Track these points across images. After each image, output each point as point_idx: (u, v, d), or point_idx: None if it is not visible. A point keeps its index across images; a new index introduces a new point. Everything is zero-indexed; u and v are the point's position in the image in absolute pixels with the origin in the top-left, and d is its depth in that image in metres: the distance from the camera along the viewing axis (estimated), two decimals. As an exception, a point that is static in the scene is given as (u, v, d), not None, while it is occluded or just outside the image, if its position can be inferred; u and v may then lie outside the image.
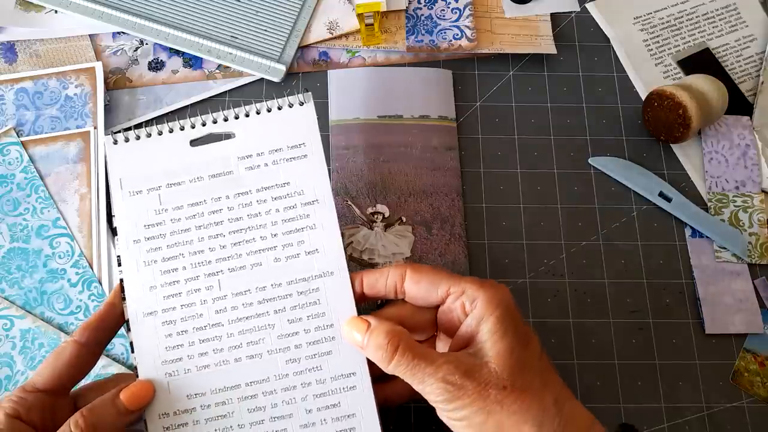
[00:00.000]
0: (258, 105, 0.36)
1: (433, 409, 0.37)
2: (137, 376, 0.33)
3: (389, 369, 0.31)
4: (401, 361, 0.30)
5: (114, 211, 0.35)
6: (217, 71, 0.51)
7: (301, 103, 0.36)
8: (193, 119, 0.36)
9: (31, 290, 0.44)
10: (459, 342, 0.32)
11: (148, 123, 0.50)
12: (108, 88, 0.50)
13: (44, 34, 0.51)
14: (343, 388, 0.33)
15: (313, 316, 0.34)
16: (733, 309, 0.46)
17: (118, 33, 0.52)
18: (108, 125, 0.49)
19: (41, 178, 0.46)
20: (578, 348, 0.45)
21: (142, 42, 0.52)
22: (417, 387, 0.30)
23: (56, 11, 0.52)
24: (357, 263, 0.46)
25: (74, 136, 0.47)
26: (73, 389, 0.33)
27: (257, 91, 0.51)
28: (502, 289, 0.32)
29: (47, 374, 0.32)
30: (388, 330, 0.31)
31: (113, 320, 0.34)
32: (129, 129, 0.39)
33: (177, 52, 0.52)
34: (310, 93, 0.37)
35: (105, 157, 0.36)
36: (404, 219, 0.47)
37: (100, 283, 0.44)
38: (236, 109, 0.36)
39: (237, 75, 0.51)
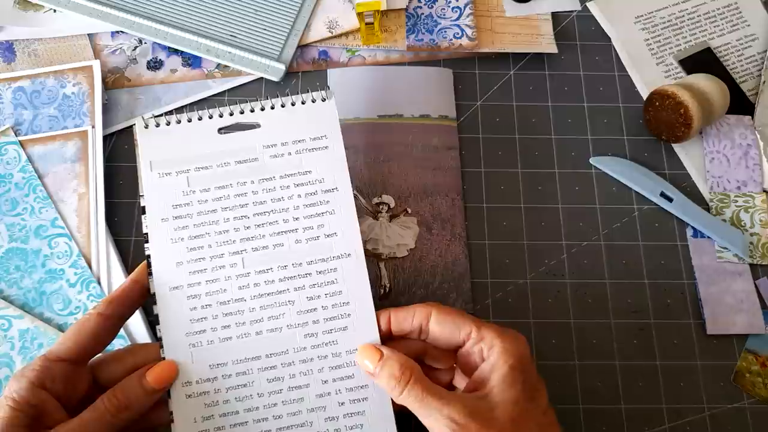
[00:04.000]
0: (283, 99, 0.39)
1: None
2: (162, 347, 0.34)
3: (399, 399, 0.33)
4: (411, 393, 0.32)
5: (143, 191, 0.37)
6: (216, 70, 0.51)
7: (324, 99, 0.39)
8: (221, 109, 0.38)
9: (30, 290, 0.43)
10: (473, 384, 0.34)
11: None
12: (107, 87, 0.50)
13: (43, 34, 0.51)
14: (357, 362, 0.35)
15: (331, 294, 0.36)
16: (734, 309, 0.46)
17: (117, 32, 0.52)
18: (106, 125, 0.48)
19: (39, 177, 0.46)
20: (579, 349, 0.45)
21: (140, 41, 0.52)
22: (423, 420, 0.32)
23: (55, 10, 0.52)
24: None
25: (72, 136, 0.47)
26: (90, 360, 0.34)
27: (256, 91, 0.51)
28: (519, 341, 0.34)
29: (71, 344, 0.33)
30: (402, 362, 0.33)
31: (136, 296, 0.35)
32: (160, 115, 0.41)
33: (176, 51, 0.52)
34: (332, 90, 0.39)
35: (136, 140, 0.37)
36: (409, 210, 0.47)
37: (99, 284, 0.44)
38: (263, 102, 0.38)
39: (236, 74, 0.51)
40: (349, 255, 0.36)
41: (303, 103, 0.38)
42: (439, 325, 0.34)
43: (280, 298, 0.35)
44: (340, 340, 0.35)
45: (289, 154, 0.37)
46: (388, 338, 0.36)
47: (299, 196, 0.37)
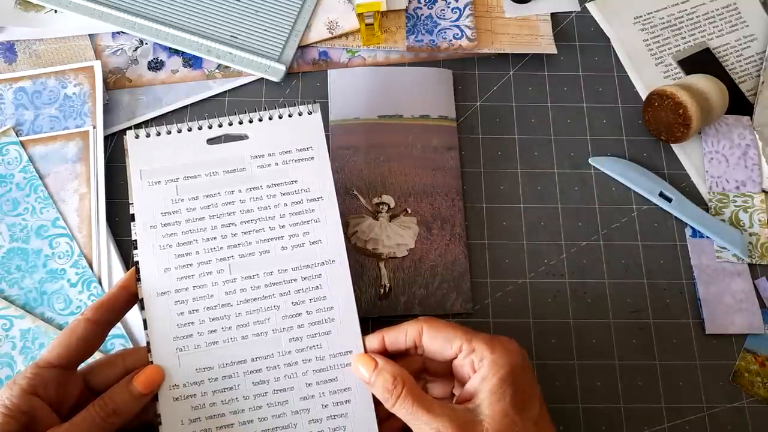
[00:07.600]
0: (271, 112, 0.39)
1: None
2: (149, 351, 0.35)
3: (391, 409, 0.33)
4: (403, 405, 0.33)
5: (132, 199, 0.37)
6: (217, 71, 0.51)
7: (310, 113, 0.40)
8: (210, 120, 0.39)
9: (31, 290, 0.44)
10: (464, 395, 0.34)
11: (152, 122, 0.50)
12: (108, 88, 0.50)
13: (44, 34, 0.51)
14: (340, 365, 0.36)
15: (315, 300, 0.36)
16: (733, 309, 0.46)
17: (118, 33, 0.52)
18: (107, 125, 0.49)
19: (40, 177, 0.46)
20: (578, 348, 0.45)
21: (141, 42, 0.52)
22: (414, 430, 0.33)
23: (56, 11, 0.52)
24: (361, 252, 0.46)
25: (73, 136, 0.47)
26: (81, 366, 0.35)
27: (257, 91, 0.51)
28: (510, 351, 0.34)
29: (60, 350, 0.33)
30: (394, 374, 0.34)
31: (124, 302, 0.36)
32: (151, 126, 0.42)
33: (177, 52, 0.52)
34: (318, 104, 0.40)
35: (126, 150, 0.38)
36: (409, 210, 0.47)
37: (100, 283, 0.44)
38: (251, 114, 0.39)
39: (237, 75, 0.51)
40: (333, 261, 0.37)
41: (290, 116, 0.39)
42: (431, 341, 0.35)
43: (265, 303, 0.36)
44: (324, 344, 0.36)
45: (276, 164, 0.38)
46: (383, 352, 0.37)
47: (285, 204, 0.38)
